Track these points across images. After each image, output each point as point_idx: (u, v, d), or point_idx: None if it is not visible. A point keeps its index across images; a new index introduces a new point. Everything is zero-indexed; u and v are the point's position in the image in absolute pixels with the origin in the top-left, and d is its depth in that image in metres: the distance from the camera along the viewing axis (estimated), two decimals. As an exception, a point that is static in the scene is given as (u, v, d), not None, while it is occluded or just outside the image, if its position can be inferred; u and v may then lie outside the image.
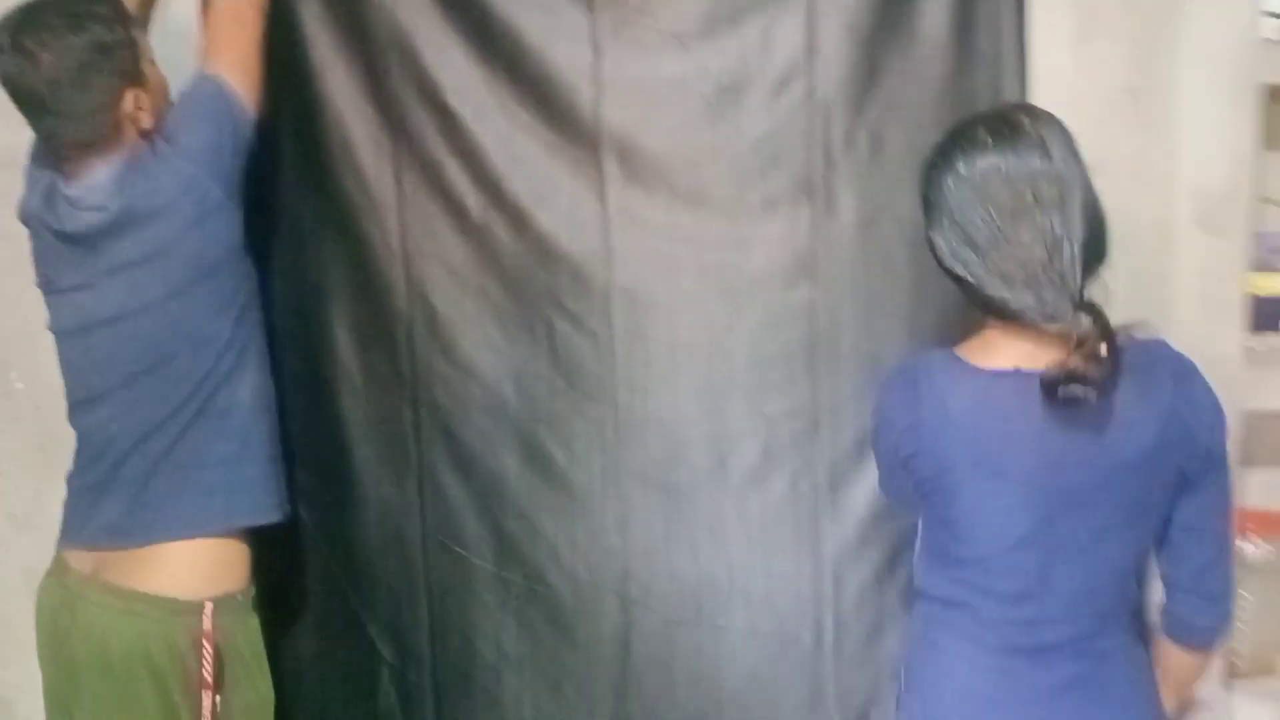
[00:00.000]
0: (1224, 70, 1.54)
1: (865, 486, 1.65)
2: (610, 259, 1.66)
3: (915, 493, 1.35)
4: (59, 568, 1.61)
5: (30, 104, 1.49)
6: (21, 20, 1.47)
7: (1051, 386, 1.18)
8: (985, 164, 1.23)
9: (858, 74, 1.60)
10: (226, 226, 1.56)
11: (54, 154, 1.55)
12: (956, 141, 1.26)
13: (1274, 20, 1.55)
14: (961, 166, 1.24)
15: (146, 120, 1.54)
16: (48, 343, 1.82)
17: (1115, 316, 1.72)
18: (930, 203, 1.28)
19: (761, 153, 1.62)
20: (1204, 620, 1.35)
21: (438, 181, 1.69)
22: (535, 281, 1.69)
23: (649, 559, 1.70)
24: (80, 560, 1.58)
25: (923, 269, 1.60)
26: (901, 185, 1.57)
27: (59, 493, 1.86)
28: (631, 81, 1.63)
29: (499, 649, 1.74)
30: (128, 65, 1.51)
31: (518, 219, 1.68)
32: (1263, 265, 1.62)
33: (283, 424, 1.70)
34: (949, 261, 1.26)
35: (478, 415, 1.72)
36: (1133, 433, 1.22)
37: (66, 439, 1.85)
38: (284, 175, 1.73)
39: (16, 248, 1.80)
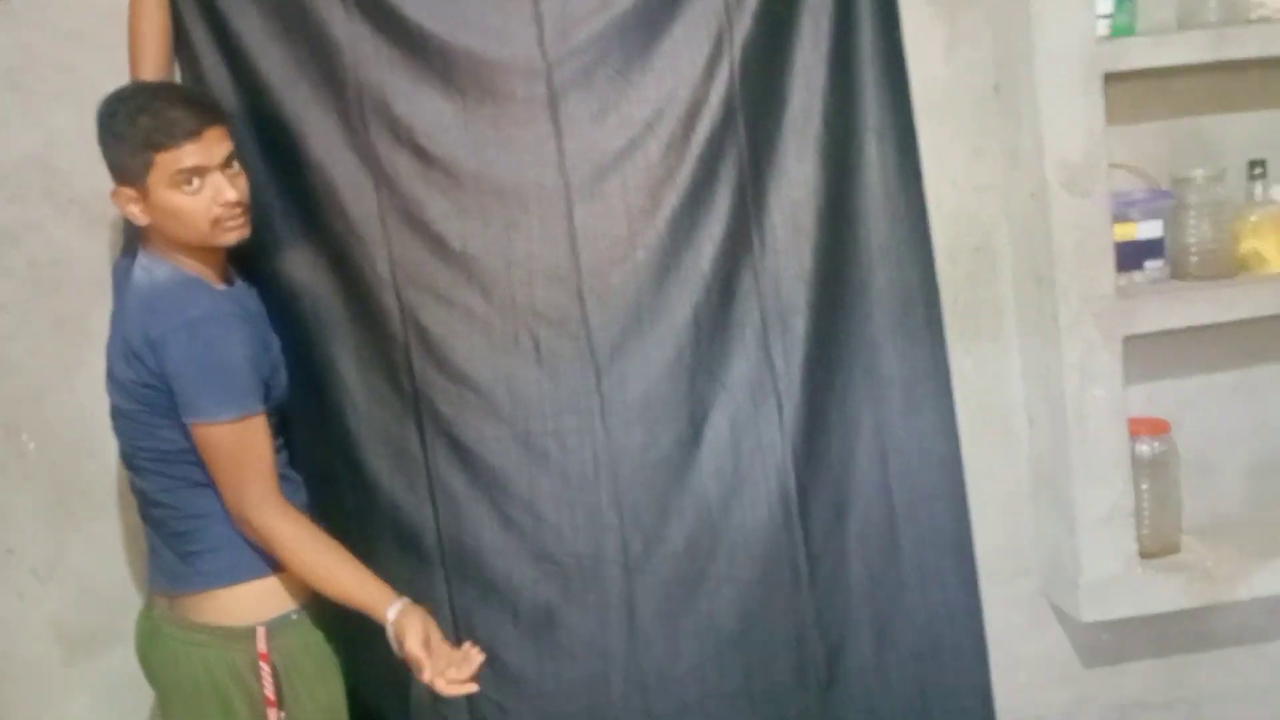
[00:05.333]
0: (1072, 64, 1.85)
1: (818, 439, 1.92)
2: (579, 268, 1.87)
3: None
4: (148, 603, 1.75)
5: None
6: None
7: None
8: None
9: (760, 95, 1.88)
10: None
11: None
12: None
13: (1106, 20, 1.89)
14: None
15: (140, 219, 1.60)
16: (56, 402, 1.95)
17: (1012, 269, 2.05)
18: None
19: (698, 164, 1.87)
20: None
21: (418, 217, 1.85)
22: (515, 296, 1.87)
23: (642, 529, 1.90)
24: (158, 597, 1.72)
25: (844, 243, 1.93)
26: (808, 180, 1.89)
27: (79, 546, 1.99)
28: (585, 113, 1.86)
29: (517, 625, 1.89)
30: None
31: (492, 244, 1.86)
32: (1119, 217, 1.93)
33: (294, 453, 1.81)
34: None
35: (476, 420, 1.88)
36: None
37: (83, 493, 1.98)
38: (277, 224, 1.85)
39: (16, 318, 1.93)
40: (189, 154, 1.57)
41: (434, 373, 1.89)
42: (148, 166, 1.57)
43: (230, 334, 1.60)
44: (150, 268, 1.63)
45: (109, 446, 1.74)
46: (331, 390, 1.90)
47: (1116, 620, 2.00)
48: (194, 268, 1.64)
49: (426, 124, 1.85)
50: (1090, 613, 1.98)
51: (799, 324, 1.91)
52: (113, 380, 1.65)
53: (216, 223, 1.61)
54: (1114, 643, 2.13)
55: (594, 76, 1.85)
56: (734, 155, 1.88)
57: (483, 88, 1.84)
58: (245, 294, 1.74)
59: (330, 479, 1.90)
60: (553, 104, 1.85)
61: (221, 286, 1.68)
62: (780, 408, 1.91)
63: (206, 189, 1.59)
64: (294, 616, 1.70)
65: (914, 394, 1.94)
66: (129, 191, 1.59)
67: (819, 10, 1.87)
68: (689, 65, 1.86)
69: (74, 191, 1.90)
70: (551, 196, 1.87)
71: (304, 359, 1.87)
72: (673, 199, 1.88)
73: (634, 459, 1.90)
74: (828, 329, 1.92)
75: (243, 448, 1.59)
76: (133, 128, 1.56)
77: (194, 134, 1.57)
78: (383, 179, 1.86)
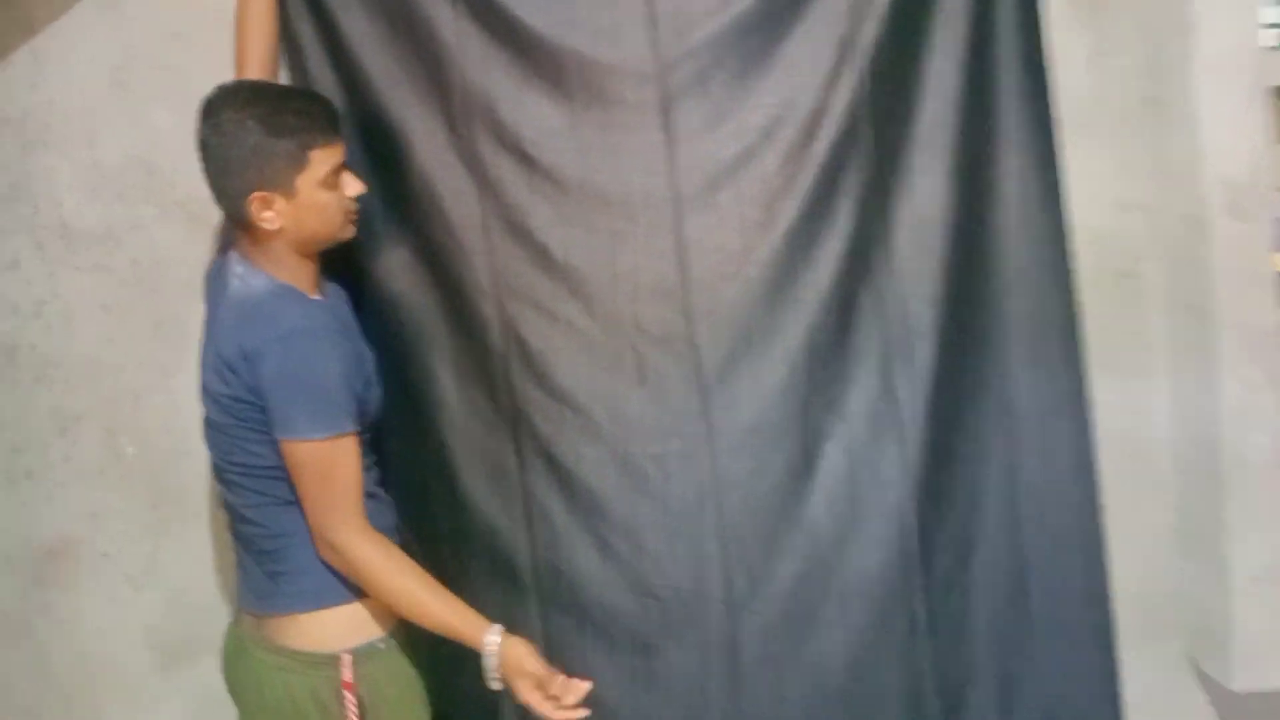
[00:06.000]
0: (1235, 76, 1.71)
1: (943, 476, 1.78)
2: (688, 284, 1.77)
3: None
4: (236, 619, 1.71)
5: None
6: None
7: None
8: None
9: (888, 104, 1.76)
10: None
11: None
12: None
13: (1273, 30, 1.73)
14: None
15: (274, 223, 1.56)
16: (154, 406, 1.93)
17: (1162, 298, 1.89)
18: None
19: (819, 176, 1.76)
20: None
21: (522, 226, 1.78)
22: (619, 311, 1.78)
23: (747, 564, 1.78)
24: (246, 615, 1.67)
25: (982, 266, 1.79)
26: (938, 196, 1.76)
27: (173, 552, 1.96)
28: (698, 120, 1.76)
29: (612, 660, 1.79)
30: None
31: (597, 255, 1.78)
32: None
33: (387, 466, 1.76)
34: None
35: (575, 440, 1.79)
36: None
37: (179, 499, 1.95)
38: (378, 229, 1.80)
39: (117, 319, 1.92)
40: (338, 150, 1.60)
41: (533, 389, 1.80)
42: (302, 166, 1.55)
43: (326, 349, 1.55)
44: (246, 277, 1.59)
45: (204, 453, 1.70)
46: (428, 403, 1.83)
47: (1272, 690, 1.83)
48: (291, 277, 1.60)
49: (533, 129, 1.77)
50: (1243, 681, 1.81)
51: (925, 351, 1.78)
52: (206, 393, 1.61)
53: (347, 215, 1.63)
54: (1267, 714, 1.93)
55: (709, 81, 1.75)
56: (858, 167, 1.76)
57: (591, 91, 1.76)
58: (339, 305, 1.70)
59: (424, 495, 1.84)
60: (664, 109, 1.76)
61: (316, 297, 1.63)
62: (902, 441, 1.77)
63: (339, 183, 1.61)
64: (381, 645, 1.64)
65: (1049, 431, 1.79)
66: (268, 195, 1.54)
67: (954, 15, 1.75)
68: (811, 71, 1.75)
69: (177, 193, 1.88)
70: (660, 207, 1.77)
71: (400, 370, 1.81)
72: (790, 212, 1.76)
73: (741, 489, 1.78)
74: (956, 358, 1.78)
75: (332, 467, 1.54)
76: (277, 127, 1.53)
77: (336, 129, 1.60)
78: (487, 185, 1.79)
